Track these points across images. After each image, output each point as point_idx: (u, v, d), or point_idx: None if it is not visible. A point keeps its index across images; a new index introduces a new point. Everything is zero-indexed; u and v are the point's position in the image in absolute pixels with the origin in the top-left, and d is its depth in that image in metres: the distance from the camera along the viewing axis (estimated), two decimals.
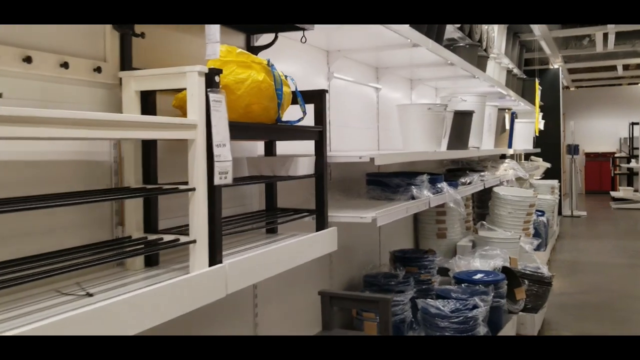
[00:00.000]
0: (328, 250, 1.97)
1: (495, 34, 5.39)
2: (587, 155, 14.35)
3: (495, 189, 4.56)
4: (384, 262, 3.37)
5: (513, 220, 4.42)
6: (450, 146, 3.27)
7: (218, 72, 1.40)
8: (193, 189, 1.36)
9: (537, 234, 4.92)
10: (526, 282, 3.46)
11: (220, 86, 1.41)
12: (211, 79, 1.38)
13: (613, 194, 12.50)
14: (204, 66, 1.37)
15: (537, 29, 6.78)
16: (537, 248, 4.68)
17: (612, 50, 8.73)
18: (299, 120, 1.78)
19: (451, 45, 3.73)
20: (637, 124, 13.74)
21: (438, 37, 3.07)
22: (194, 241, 1.37)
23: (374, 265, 3.11)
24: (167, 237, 1.44)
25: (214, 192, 1.39)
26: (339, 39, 2.51)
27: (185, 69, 1.36)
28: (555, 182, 7.02)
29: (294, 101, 1.82)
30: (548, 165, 8.15)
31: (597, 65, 10.58)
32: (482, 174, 3.92)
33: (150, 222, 1.50)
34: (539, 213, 5.46)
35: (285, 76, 1.73)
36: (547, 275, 3.58)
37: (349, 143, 3.00)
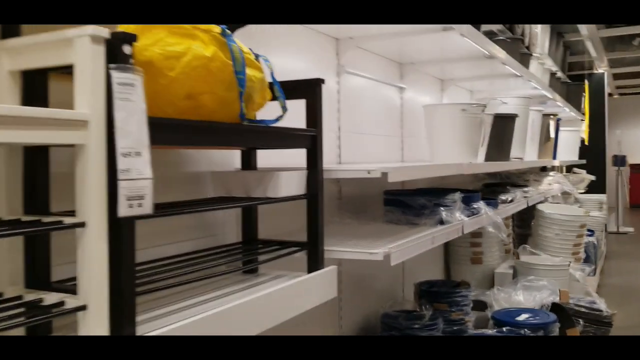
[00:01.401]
0: (323, 298, 1.44)
1: (539, 31, 4.79)
2: (632, 166, 13.45)
3: (540, 207, 3.94)
4: (407, 296, 2.81)
5: (561, 243, 3.78)
6: (489, 157, 2.70)
7: (129, 38, 0.89)
8: (81, 225, 0.85)
9: (587, 259, 4.27)
10: (581, 321, 2.85)
11: (135, 61, 0.90)
12: (116, 50, 0.87)
13: None
14: (100, 28, 0.85)
15: (585, 28, 6.12)
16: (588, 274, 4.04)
17: None
18: (276, 120, 1.25)
19: (489, 39, 3.16)
20: None
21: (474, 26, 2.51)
22: (84, 307, 0.86)
23: (394, 302, 2.55)
24: (52, 298, 0.92)
25: (119, 228, 0.87)
26: None
27: (70, 33, 0.85)
28: (603, 197, 6.33)
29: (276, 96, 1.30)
30: (593, 177, 7.45)
31: None
32: (525, 189, 3.33)
33: (35, 270, 0.99)
34: (588, 233, 4.80)
35: (257, 56, 1.20)
36: (606, 314, 2.96)
37: (364, 153, 2.45)
